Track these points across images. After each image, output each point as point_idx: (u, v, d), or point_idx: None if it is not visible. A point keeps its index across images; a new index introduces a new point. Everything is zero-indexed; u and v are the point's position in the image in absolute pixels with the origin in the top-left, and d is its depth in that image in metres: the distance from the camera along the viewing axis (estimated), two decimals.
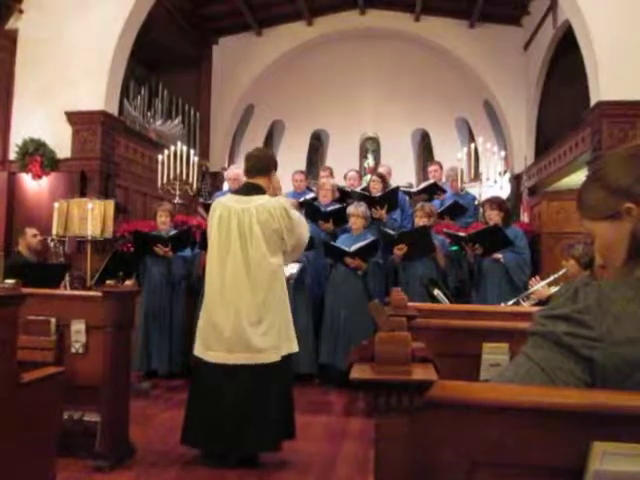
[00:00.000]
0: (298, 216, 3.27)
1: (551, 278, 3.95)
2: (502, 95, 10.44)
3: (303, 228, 3.25)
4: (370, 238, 4.93)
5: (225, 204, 3.19)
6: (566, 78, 8.89)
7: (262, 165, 3.26)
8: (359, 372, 0.97)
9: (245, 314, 3.01)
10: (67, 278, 5.07)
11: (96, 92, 7.11)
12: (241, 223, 3.08)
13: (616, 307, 0.99)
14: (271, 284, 3.07)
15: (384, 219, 5.45)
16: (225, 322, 3.03)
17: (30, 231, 5.53)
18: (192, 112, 10.72)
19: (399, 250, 4.84)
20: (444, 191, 6.36)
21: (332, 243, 5.04)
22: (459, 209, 6.06)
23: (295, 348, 3.17)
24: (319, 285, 5.26)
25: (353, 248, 4.84)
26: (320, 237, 5.23)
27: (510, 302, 4.04)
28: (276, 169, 3.36)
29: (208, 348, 3.08)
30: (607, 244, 1.09)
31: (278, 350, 3.05)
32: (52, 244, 5.86)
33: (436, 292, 3.78)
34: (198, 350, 3.13)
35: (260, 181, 3.23)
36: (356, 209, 5.09)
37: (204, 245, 4.23)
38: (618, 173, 1.06)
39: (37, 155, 7.11)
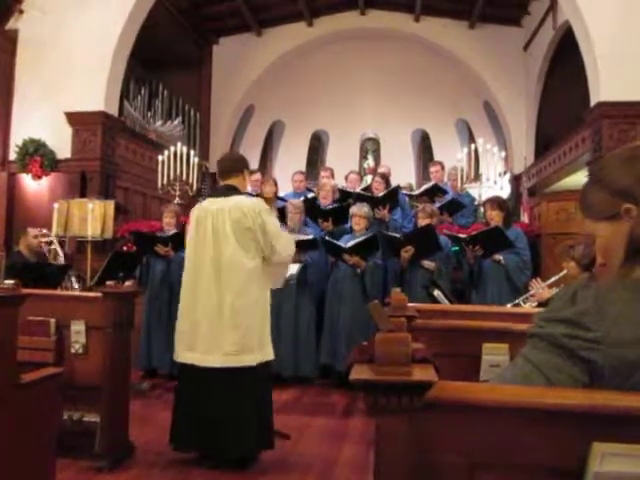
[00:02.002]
0: (277, 226, 3.21)
1: (552, 280, 3.95)
2: (502, 96, 10.44)
3: (283, 239, 3.18)
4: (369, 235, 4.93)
5: (202, 207, 3.21)
6: (566, 79, 8.89)
7: (233, 166, 3.29)
8: (359, 373, 0.97)
9: (217, 316, 3.00)
10: (72, 278, 5.04)
11: (96, 92, 7.11)
12: (215, 223, 3.09)
13: (614, 309, 0.99)
14: (245, 285, 3.03)
15: (386, 219, 5.45)
16: (199, 324, 3.04)
17: (32, 231, 5.50)
18: (192, 113, 10.72)
19: (406, 252, 4.84)
20: (445, 192, 6.34)
21: (329, 239, 5.03)
22: (457, 206, 6.05)
23: (270, 355, 3.12)
24: (321, 286, 5.26)
25: (349, 244, 4.84)
26: (321, 236, 5.23)
27: (509, 305, 4.04)
28: (248, 168, 3.38)
29: (185, 350, 3.09)
30: (607, 244, 1.09)
31: (250, 354, 3.01)
32: (47, 248, 5.76)
33: (436, 293, 3.77)
34: (177, 352, 3.15)
35: (234, 181, 3.24)
36: (359, 210, 5.08)
37: None
38: (618, 174, 1.07)
39: (37, 155, 7.12)
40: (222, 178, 3.32)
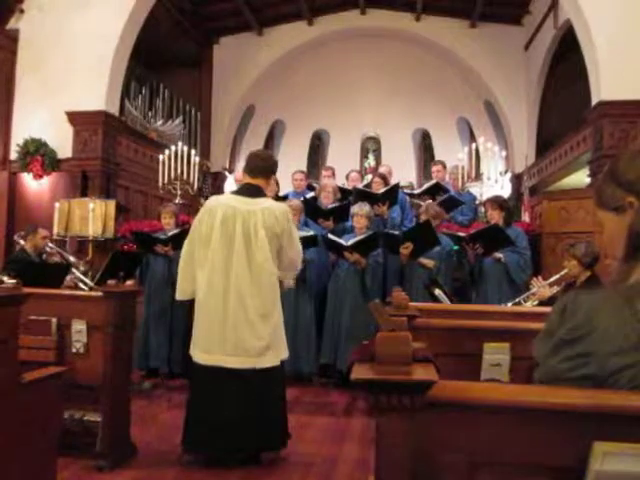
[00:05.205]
0: (296, 234, 3.28)
1: (553, 278, 3.95)
2: (503, 95, 10.43)
3: (299, 246, 3.28)
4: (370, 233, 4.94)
5: (228, 204, 3.12)
6: (567, 78, 8.89)
7: (266, 167, 3.26)
8: (360, 372, 0.97)
9: (247, 317, 3.00)
10: (88, 275, 5.02)
11: (97, 92, 7.11)
12: (246, 225, 3.05)
13: (605, 317, 1.01)
14: (271, 287, 3.09)
15: (385, 215, 5.47)
16: (227, 325, 3.01)
17: (42, 232, 5.46)
18: (193, 112, 10.72)
19: (405, 249, 4.85)
20: (447, 191, 6.33)
21: (331, 236, 5.04)
22: (454, 202, 6.05)
23: (287, 353, 3.20)
24: (321, 284, 5.26)
25: (350, 242, 4.86)
26: (323, 233, 5.25)
27: (510, 303, 4.04)
28: (275, 173, 3.41)
29: (208, 351, 3.04)
30: (611, 235, 1.13)
31: (278, 353, 3.08)
32: (51, 249, 5.69)
33: (437, 292, 3.77)
34: (196, 353, 3.08)
35: (261, 182, 3.22)
36: (360, 209, 5.09)
37: None
38: (626, 168, 1.11)
39: (38, 155, 7.11)
40: (250, 176, 3.24)
